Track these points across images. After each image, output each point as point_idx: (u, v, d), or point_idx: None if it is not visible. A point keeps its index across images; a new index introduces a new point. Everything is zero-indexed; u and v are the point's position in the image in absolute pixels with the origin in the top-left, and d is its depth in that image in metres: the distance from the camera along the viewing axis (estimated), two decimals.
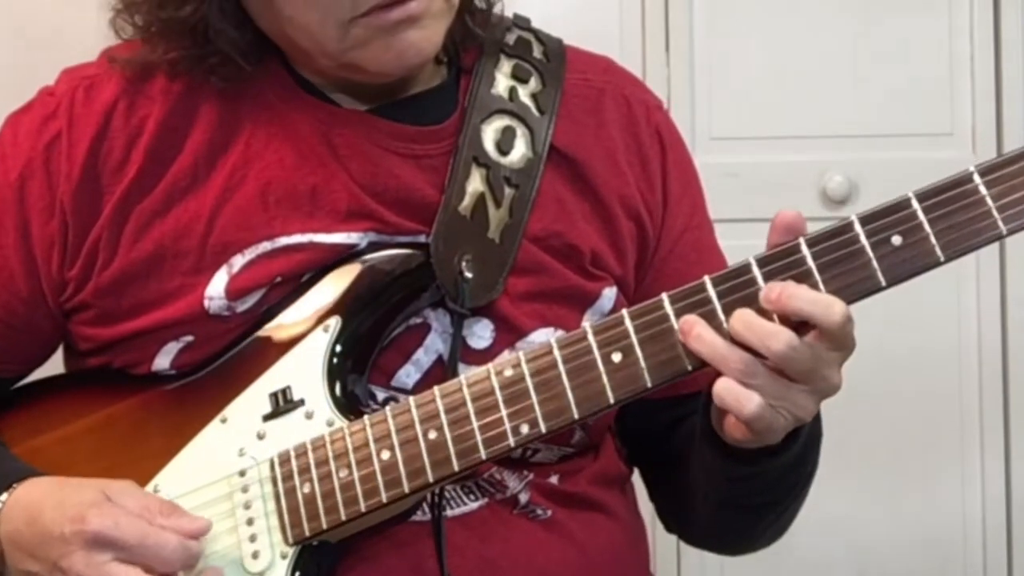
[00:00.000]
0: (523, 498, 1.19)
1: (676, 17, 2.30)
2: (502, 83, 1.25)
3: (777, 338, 0.99)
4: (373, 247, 1.17)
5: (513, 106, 1.24)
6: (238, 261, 1.18)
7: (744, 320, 1.01)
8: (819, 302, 1.00)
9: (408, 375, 1.17)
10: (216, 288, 1.17)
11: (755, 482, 1.14)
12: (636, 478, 1.35)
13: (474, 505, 1.17)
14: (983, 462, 2.31)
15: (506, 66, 1.26)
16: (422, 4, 1.13)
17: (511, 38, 1.28)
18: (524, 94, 1.25)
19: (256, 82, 1.21)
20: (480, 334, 1.18)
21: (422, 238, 1.18)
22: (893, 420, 2.29)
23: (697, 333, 1.02)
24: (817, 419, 1.15)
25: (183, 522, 1.08)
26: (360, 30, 1.13)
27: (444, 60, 1.26)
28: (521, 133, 1.23)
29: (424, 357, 1.18)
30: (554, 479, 1.21)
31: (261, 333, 1.17)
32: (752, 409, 1.01)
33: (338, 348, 1.15)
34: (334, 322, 1.15)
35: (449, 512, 1.16)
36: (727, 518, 1.23)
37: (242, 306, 1.18)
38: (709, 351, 1.01)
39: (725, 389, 1.01)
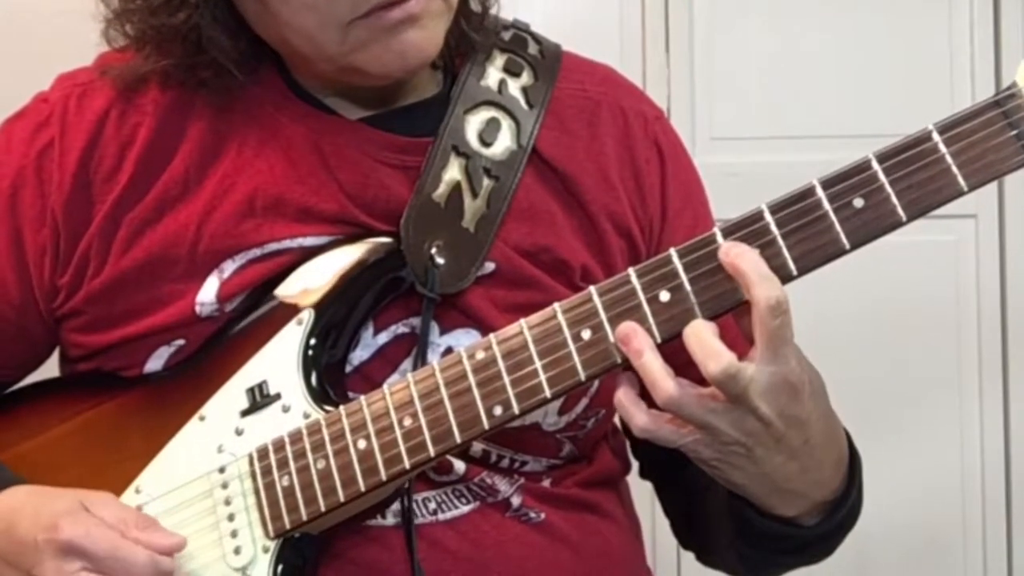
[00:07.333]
0: (515, 501, 1.18)
1: (676, 17, 2.30)
2: (493, 76, 1.24)
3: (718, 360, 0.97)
4: (347, 239, 1.16)
5: (501, 98, 1.22)
6: (229, 267, 1.17)
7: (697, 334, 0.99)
8: (762, 280, 0.97)
9: None
10: (207, 294, 1.17)
11: (780, 543, 1.14)
12: (631, 475, 1.33)
13: (465, 508, 1.16)
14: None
15: (499, 60, 1.25)
16: (421, 3, 1.11)
17: (507, 35, 1.27)
18: (514, 87, 1.23)
19: (249, 89, 1.20)
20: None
21: None
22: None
23: (637, 348, 1.00)
24: (859, 490, 1.14)
25: (157, 537, 1.06)
26: (360, 32, 1.11)
27: (439, 66, 1.25)
28: (507, 125, 1.21)
29: (411, 367, 1.16)
30: (546, 483, 1.21)
31: (236, 329, 1.16)
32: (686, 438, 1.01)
33: (312, 340, 1.14)
34: (307, 315, 1.14)
35: (440, 516, 1.15)
36: (753, 561, 1.21)
37: (230, 306, 1.17)
38: (648, 375, 0.99)
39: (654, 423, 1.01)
